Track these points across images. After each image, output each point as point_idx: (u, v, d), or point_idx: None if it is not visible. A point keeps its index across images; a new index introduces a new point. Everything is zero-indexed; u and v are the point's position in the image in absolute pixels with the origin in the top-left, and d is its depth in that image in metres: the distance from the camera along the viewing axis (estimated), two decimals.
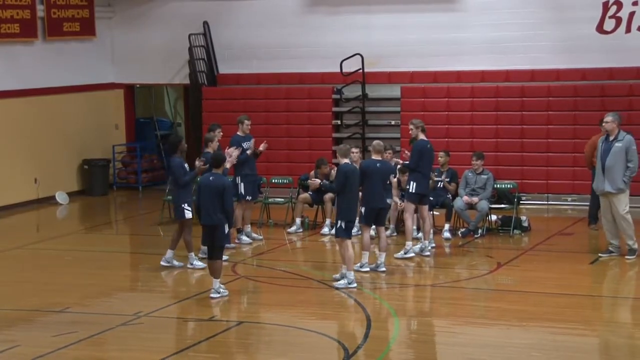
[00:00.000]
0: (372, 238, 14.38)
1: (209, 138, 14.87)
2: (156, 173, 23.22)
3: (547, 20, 19.75)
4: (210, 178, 12.59)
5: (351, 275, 13.05)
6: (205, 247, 13.33)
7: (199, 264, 14.15)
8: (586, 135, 17.49)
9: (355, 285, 13.06)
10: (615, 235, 14.39)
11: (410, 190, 14.47)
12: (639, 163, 14.31)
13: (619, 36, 19.20)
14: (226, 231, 12.54)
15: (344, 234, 13.07)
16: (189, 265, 14.21)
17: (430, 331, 11.53)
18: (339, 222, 13.05)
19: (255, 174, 16.10)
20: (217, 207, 12.39)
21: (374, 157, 13.76)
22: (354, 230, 14.43)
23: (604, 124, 14.53)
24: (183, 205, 13.99)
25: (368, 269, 13.72)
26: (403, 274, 14.14)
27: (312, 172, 16.98)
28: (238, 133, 15.89)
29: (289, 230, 16.89)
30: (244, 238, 15.94)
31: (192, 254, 14.22)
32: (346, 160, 13.30)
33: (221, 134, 15.55)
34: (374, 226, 14.29)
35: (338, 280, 13.14)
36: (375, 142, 14.08)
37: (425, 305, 12.81)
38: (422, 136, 14.58)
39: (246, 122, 15.95)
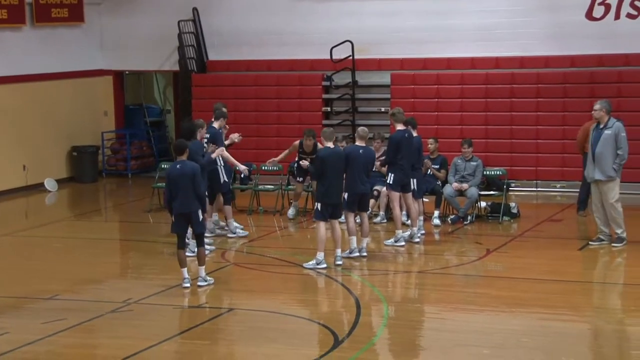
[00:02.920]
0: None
1: (199, 124, 14.71)
2: (145, 160, 23.17)
3: (536, 6, 19.76)
4: (178, 166, 12.40)
5: (321, 256, 13.26)
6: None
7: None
8: (575, 122, 17.55)
9: (324, 265, 13.23)
10: (605, 223, 14.39)
11: (389, 182, 14.52)
12: (628, 150, 14.31)
13: (608, 23, 19.21)
14: (201, 218, 12.46)
15: (319, 216, 13.31)
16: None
17: (420, 317, 11.56)
18: (316, 204, 13.37)
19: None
20: (190, 195, 12.28)
21: (358, 143, 13.87)
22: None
23: (592, 112, 14.49)
24: None
25: (357, 254, 13.77)
26: (392, 261, 14.17)
27: (297, 142, 16.57)
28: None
29: (288, 215, 16.81)
30: (239, 231, 15.72)
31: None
32: (329, 144, 13.38)
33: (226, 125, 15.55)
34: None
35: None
36: (360, 128, 14.24)
37: (414, 292, 12.86)
38: (399, 126, 14.56)
39: (223, 110, 15.83)
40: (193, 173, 12.31)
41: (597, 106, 14.32)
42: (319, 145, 15.32)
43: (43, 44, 21.30)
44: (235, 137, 15.53)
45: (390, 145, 14.58)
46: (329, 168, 13.26)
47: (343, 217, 15.07)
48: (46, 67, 21.34)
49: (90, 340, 10.74)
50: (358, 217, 14.29)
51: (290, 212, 16.81)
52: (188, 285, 12.40)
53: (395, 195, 14.57)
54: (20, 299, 12.24)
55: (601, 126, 14.23)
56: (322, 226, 13.35)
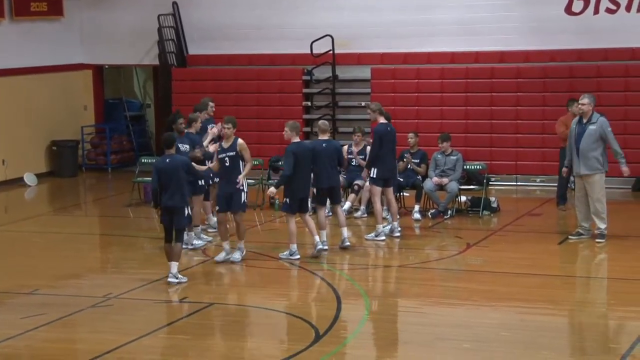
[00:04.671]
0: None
1: (192, 118, 14.65)
2: (125, 154, 23.11)
3: (516, 1, 19.83)
4: (167, 160, 12.35)
5: (294, 247, 13.39)
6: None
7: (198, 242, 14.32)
8: (555, 117, 17.60)
9: (298, 256, 13.34)
10: (586, 218, 14.43)
11: (372, 176, 14.56)
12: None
13: (587, 17, 19.30)
14: (186, 213, 12.41)
15: (287, 208, 13.43)
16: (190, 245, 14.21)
17: (400, 311, 11.59)
18: (286, 198, 13.42)
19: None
20: (178, 189, 12.25)
21: (321, 137, 14.00)
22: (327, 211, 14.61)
23: (580, 106, 14.43)
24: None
25: (326, 247, 13.80)
26: (373, 255, 14.20)
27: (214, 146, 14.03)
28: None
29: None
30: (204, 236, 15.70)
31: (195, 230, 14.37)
32: (296, 139, 13.40)
33: (213, 109, 15.64)
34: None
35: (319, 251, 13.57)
36: (321, 121, 14.37)
37: (395, 286, 12.89)
38: (381, 120, 14.59)
39: (211, 103, 15.82)
40: (182, 167, 12.28)
41: (585, 100, 14.25)
42: (240, 140, 13.40)
43: (22, 38, 21.18)
44: (215, 130, 15.09)
45: (374, 138, 14.59)
46: (300, 162, 13.29)
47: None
48: (25, 61, 21.22)
49: (70, 335, 10.70)
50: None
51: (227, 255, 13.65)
52: (173, 281, 12.36)
53: (377, 189, 14.60)
54: (0, 293, 12.18)
55: (585, 121, 14.25)
56: (292, 219, 13.45)
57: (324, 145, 13.84)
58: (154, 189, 12.54)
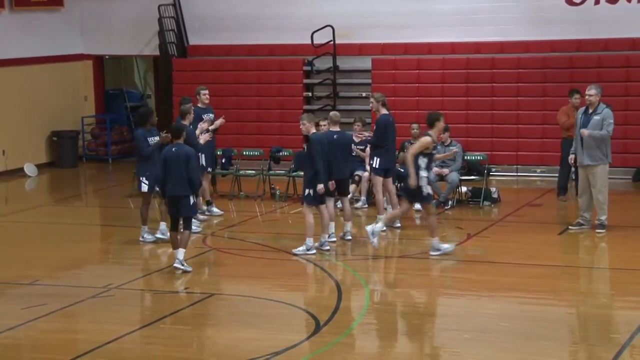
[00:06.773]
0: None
1: (185, 110, 14.65)
2: (126, 145, 23.10)
3: None
4: (173, 149, 12.48)
5: (310, 241, 13.24)
6: (164, 228, 13.50)
7: (149, 237, 14.10)
8: (555, 107, 17.60)
9: (314, 252, 13.23)
10: (588, 208, 14.43)
11: (374, 166, 14.52)
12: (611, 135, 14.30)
13: (587, 8, 19.27)
14: (192, 202, 12.46)
15: (311, 201, 13.20)
16: (140, 239, 14.12)
17: (401, 302, 11.60)
18: (307, 190, 13.18)
19: (214, 146, 15.95)
20: (182, 178, 12.31)
21: (332, 128, 13.91)
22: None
23: (587, 97, 14.35)
24: (141, 178, 13.94)
25: (334, 239, 13.80)
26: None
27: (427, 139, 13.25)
28: (197, 105, 15.73)
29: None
30: (215, 210, 15.94)
31: (145, 226, 14.13)
32: (314, 130, 13.39)
33: (207, 97, 15.70)
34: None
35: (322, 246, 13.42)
36: (332, 113, 14.31)
37: (395, 276, 12.89)
38: (383, 110, 14.58)
39: (202, 92, 15.79)
40: (187, 157, 12.34)
41: (592, 91, 14.18)
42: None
43: (22, 29, 21.16)
44: (204, 125, 15.27)
45: (378, 127, 14.56)
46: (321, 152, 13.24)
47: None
48: (25, 52, 21.21)
49: (71, 326, 10.72)
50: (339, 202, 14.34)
51: None
52: (179, 267, 12.41)
53: (379, 180, 14.58)
54: (0, 284, 12.19)
55: (590, 111, 14.22)
56: (310, 211, 13.31)
57: (335, 136, 13.78)
58: (160, 178, 12.61)
